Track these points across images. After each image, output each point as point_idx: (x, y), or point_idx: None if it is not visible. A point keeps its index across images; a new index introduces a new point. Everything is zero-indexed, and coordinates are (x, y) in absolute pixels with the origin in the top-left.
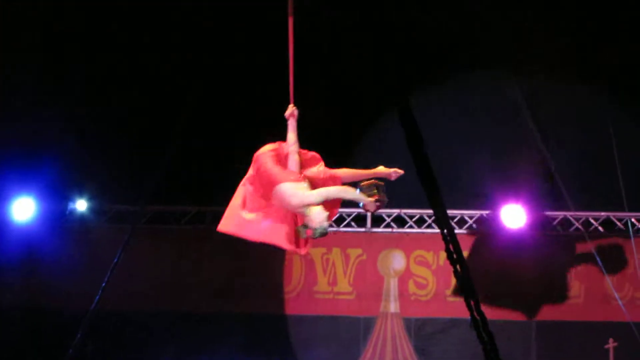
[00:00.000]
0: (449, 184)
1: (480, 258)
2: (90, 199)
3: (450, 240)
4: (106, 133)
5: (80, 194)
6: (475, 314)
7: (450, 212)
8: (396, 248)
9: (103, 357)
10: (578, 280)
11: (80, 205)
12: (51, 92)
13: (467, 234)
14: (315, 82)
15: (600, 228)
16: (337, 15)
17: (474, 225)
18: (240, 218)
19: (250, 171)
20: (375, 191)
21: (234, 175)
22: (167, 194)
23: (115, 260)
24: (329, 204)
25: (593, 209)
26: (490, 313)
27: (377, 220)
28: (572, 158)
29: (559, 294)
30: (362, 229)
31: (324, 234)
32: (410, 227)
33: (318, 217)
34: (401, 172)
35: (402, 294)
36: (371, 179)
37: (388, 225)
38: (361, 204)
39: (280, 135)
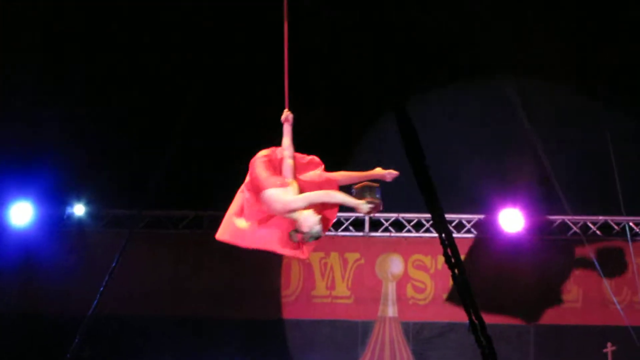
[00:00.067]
0: (446, 188)
1: (479, 262)
2: (87, 203)
3: (448, 244)
4: (106, 133)
5: (78, 198)
6: (473, 318)
7: (448, 216)
8: (394, 252)
9: None
10: (576, 285)
11: (78, 209)
12: (51, 92)
13: (465, 238)
14: (315, 82)
15: (598, 232)
16: (337, 15)
17: (472, 230)
18: (236, 227)
19: (247, 177)
20: (367, 194)
21: (234, 176)
22: (166, 197)
23: (113, 265)
24: (326, 208)
25: (591, 213)
26: (489, 317)
27: (375, 225)
28: (570, 162)
29: (557, 298)
30: (360, 234)
31: (317, 237)
32: (409, 231)
33: (307, 221)
34: (396, 173)
35: (400, 298)
36: (366, 181)
37: (386, 230)
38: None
39: (280, 135)
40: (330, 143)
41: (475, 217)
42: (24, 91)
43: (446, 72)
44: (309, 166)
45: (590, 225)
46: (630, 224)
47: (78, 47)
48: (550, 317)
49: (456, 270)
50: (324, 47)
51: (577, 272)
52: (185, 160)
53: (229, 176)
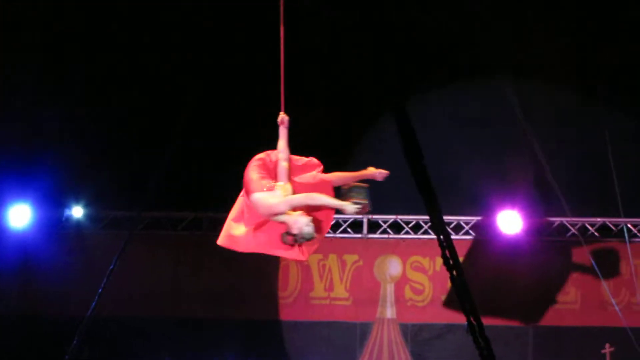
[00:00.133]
0: (445, 188)
1: (477, 264)
2: (86, 205)
3: (446, 246)
4: (106, 133)
5: (77, 200)
6: (471, 319)
7: (446, 218)
8: (392, 254)
9: None
10: (574, 286)
11: (77, 211)
12: (51, 92)
13: (464, 239)
14: (315, 82)
15: (596, 234)
16: (337, 15)
17: (471, 231)
18: (234, 233)
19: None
20: (354, 194)
21: (234, 177)
22: (165, 198)
23: (112, 267)
24: (320, 210)
25: (589, 215)
26: (487, 319)
27: (374, 227)
28: (569, 163)
29: (555, 299)
30: (359, 235)
31: (309, 239)
32: (407, 233)
33: (297, 223)
34: (386, 172)
35: (399, 300)
36: (355, 182)
37: (384, 231)
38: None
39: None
40: (330, 143)
41: (474, 218)
42: (24, 91)
43: (446, 72)
44: (306, 168)
45: (588, 226)
46: (629, 225)
47: (78, 47)
48: (548, 318)
49: (454, 272)
50: (323, 47)
51: (575, 274)
52: (185, 161)
53: (228, 177)
